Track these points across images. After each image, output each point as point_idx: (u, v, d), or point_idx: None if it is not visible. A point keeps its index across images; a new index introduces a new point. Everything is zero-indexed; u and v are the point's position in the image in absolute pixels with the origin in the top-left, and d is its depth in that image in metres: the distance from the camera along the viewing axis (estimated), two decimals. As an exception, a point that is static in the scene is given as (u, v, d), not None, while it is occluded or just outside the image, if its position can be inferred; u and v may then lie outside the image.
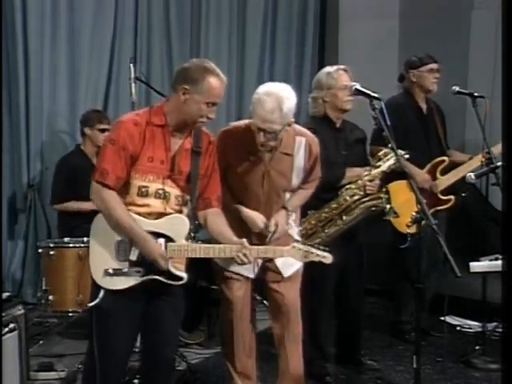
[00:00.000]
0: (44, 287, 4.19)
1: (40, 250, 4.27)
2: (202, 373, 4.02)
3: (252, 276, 3.42)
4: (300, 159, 3.37)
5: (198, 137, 2.92)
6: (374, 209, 3.81)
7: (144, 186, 2.81)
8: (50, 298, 4.15)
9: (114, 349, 2.82)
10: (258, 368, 3.61)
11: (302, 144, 3.36)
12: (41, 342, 4.32)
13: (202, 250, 2.84)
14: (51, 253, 4.17)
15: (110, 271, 2.79)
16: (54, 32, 5.19)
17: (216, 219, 3.01)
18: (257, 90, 3.22)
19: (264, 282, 3.50)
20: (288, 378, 3.53)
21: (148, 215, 2.83)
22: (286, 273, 3.43)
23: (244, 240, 2.88)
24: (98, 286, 2.81)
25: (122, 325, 2.81)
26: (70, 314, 4.23)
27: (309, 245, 3.03)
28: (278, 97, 3.12)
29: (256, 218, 3.33)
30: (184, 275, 2.84)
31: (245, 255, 2.85)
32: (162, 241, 2.81)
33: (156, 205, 2.83)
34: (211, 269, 3.48)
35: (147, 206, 2.82)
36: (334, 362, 4.05)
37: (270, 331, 3.66)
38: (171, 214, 2.86)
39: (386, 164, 3.79)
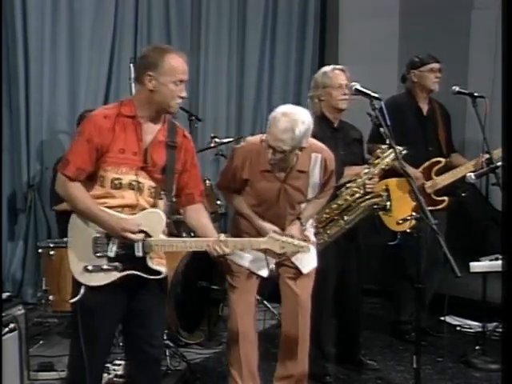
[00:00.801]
0: (44, 287, 4.20)
1: (40, 250, 4.28)
2: (202, 373, 4.01)
3: (265, 275, 3.44)
4: (315, 176, 3.40)
5: (173, 131, 2.93)
6: (375, 207, 3.81)
7: (117, 179, 2.81)
8: (50, 298, 4.16)
9: (98, 340, 2.83)
10: (258, 368, 3.59)
11: (318, 160, 3.38)
12: (41, 342, 4.31)
13: (178, 244, 2.86)
14: (51, 253, 4.17)
15: (89, 268, 2.79)
16: (53, 32, 5.18)
17: (198, 215, 3.02)
18: (276, 109, 3.26)
19: (278, 278, 3.51)
20: (292, 380, 3.54)
21: (122, 208, 2.82)
22: (305, 269, 3.45)
23: (222, 234, 2.89)
24: (79, 282, 2.82)
25: (105, 317, 2.82)
26: (70, 314, 4.22)
27: (285, 235, 2.98)
28: (293, 119, 3.15)
29: (269, 229, 3.33)
30: (162, 269, 2.85)
31: (219, 247, 2.83)
32: (142, 235, 2.80)
33: (129, 196, 2.83)
34: (211, 269, 3.48)
35: (121, 197, 2.82)
36: (334, 362, 4.04)
37: (270, 331, 3.66)
38: (144, 206, 2.85)
39: (385, 161, 3.80)
